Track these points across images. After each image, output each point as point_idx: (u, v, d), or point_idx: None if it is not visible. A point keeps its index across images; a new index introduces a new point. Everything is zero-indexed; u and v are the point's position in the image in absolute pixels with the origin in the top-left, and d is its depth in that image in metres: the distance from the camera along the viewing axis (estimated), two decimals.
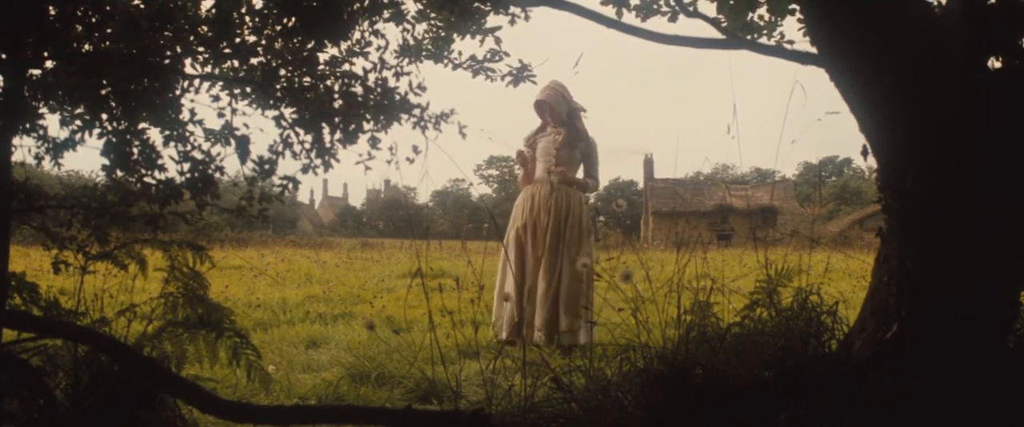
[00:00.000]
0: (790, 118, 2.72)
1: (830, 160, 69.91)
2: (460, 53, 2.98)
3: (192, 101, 2.58)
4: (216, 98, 2.64)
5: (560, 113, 4.51)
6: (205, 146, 2.54)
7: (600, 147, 4.68)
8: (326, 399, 2.94)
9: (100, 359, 2.23)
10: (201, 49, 2.50)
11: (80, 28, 2.21)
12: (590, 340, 3.99)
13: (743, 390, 2.03)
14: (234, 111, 2.64)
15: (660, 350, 2.33)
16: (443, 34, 2.93)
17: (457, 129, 2.99)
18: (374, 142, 2.83)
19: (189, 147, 2.51)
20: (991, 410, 1.85)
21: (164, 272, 2.45)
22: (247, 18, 2.50)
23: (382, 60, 2.84)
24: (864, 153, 2.13)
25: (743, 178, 62.70)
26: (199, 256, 2.47)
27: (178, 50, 2.41)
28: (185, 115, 2.52)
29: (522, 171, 4.67)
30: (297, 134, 2.69)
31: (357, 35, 2.76)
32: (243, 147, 2.54)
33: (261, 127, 2.87)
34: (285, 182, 2.68)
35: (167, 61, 2.37)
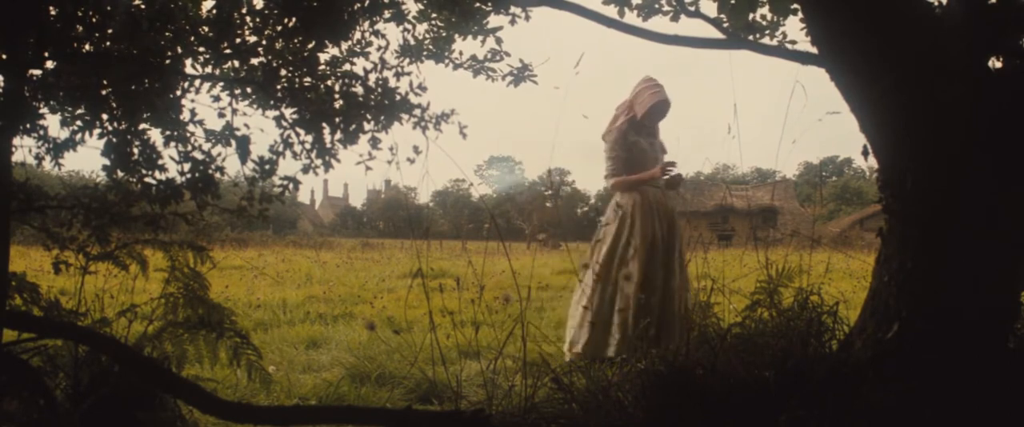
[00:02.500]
0: (790, 118, 2.73)
1: (830, 160, 69.96)
2: (461, 53, 2.99)
3: (192, 101, 2.58)
4: (216, 98, 2.65)
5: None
6: (205, 146, 2.55)
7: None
8: (326, 399, 2.94)
9: (100, 359, 2.23)
10: (202, 49, 2.50)
11: (80, 28, 2.21)
12: None
13: (743, 390, 2.03)
14: (234, 111, 2.64)
15: (661, 350, 2.33)
16: (444, 34, 2.93)
17: (457, 129, 2.99)
18: (374, 142, 2.83)
19: (189, 147, 2.51)
20: (991, 410, 1.85)
21: (165, 272, 2.45)
22: (248, 18, 2.50)
23: (383, 60, 2.84)
24: (865, 153, 2.13)
25: (743, 178, 62.63)
26: (200, 256, 2.48)
27: (179, 50, 2.41)
28: (185, 115, 2.53)
29: (631, 172, 3.90)
30: (297, 134, 2.69)
31: (357, 35, 2.76)
32: (243, 147, 2.54)
33: (261, 127, 2.87)
34: (285, 182, 2.68)
35: (168, 61, 2.37)
